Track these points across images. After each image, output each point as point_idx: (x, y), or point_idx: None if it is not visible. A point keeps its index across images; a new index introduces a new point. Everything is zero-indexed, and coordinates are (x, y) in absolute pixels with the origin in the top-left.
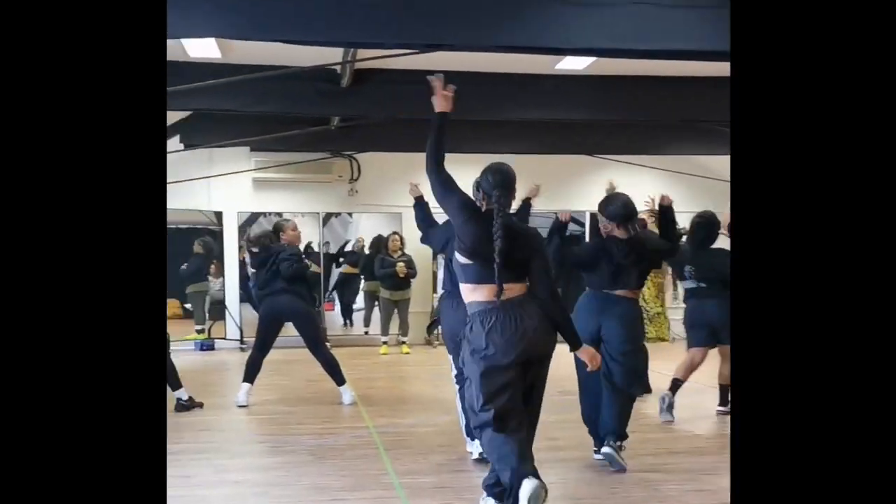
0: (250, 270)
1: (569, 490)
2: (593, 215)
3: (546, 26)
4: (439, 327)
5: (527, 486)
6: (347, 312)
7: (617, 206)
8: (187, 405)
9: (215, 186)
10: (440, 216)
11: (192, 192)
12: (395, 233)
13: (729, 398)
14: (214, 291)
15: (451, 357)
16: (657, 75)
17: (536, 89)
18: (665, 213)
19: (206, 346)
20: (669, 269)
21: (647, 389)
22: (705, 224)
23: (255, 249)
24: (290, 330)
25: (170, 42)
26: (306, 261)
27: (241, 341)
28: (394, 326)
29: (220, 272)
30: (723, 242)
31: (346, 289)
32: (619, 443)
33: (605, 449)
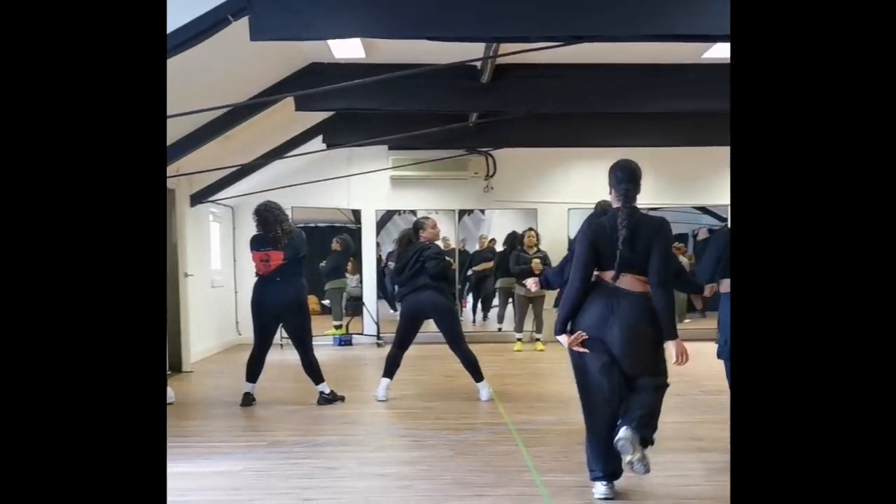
0: (389, 267)
1: (718, 491)
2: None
3: (694, 13)
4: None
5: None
6: (487, 307)
7: None
8: (329, 399)
9: (354, 185)
10: None
11: (332, 191)
12: (530, 229)
13: None
14: (351, 288)
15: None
16: None
17: (681, 80)
18: None
19: (344, 341)
20: None
21: None
22: None
23: (392, 248)
24: (426, 326)
25: (315, 44)
26: (447, 259)
27: (378, 337)
28: (528, 323)
29: (357, 269)
30: None
31: (480, 287)
32: None
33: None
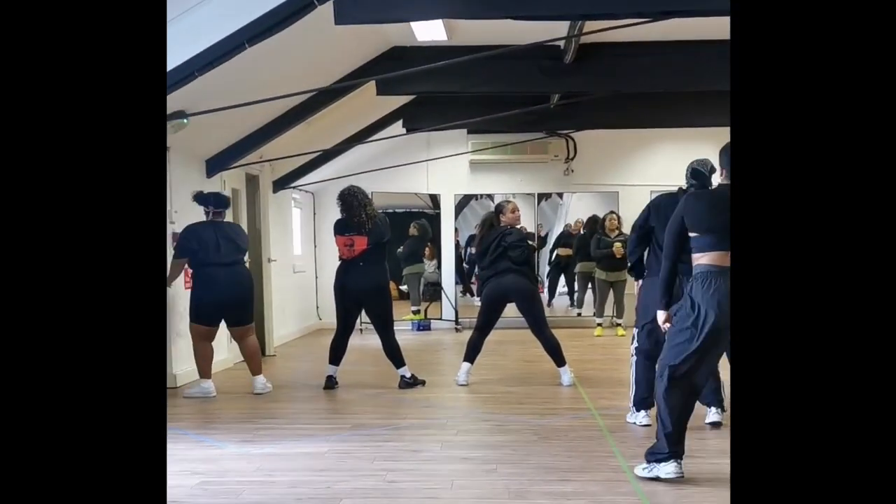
0: (469, 251)
1: None
2: None
3: None
4: None
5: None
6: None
7: None
8: (410, 382)
9: (433, 170)
10: None
11: (411, 176)
12: (612, 212)
13: None
14: (428, 273)
15: (635, 331)
16: None
17: None
18: None
19: (423, 326)
20: None
21: None
22: None
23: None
24: (505, 311)
25: (398, 27)
26: (531, 243)
27: (457, 322)
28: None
29: (435, 254)
30: None
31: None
32: None
33: None
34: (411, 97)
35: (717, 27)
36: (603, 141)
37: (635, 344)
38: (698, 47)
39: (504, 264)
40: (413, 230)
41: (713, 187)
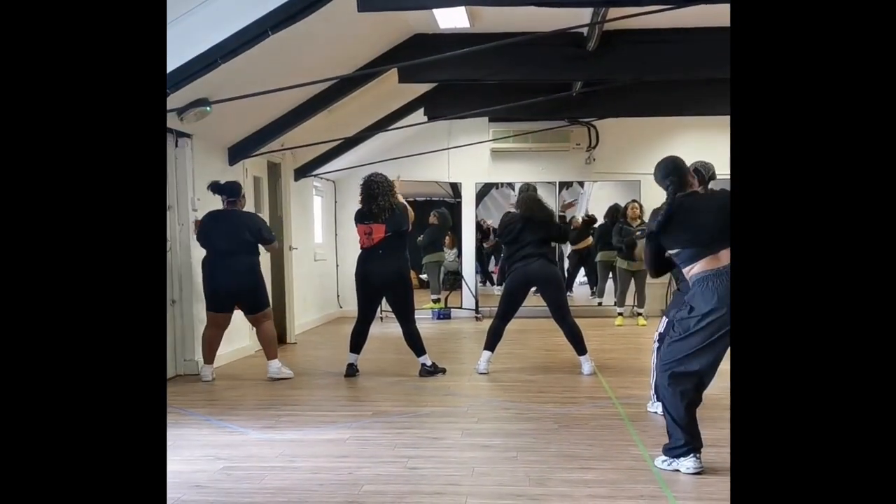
0: (491, 239)
1: None
2: None
3: None
4: None
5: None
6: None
7: None
8: (431, 371)
9: (454, 158)
10: None
11: (432, 164)
12: (633, 201)
13: None
14: (448, 262)
15: (664, 319)
16: None
17: None
18: None
19: (443, 315)
20: None
21: None
22: None
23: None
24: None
25: (420, 14)
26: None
27: (477, 311)
28: (629, 298)
29: (455, 243)
30: None
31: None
32: None
33: None
34: (433, 85)
35: None
36: (625, 129)
37: (660, 330)
38: (722, 34)
39: (529, 250)
40: (433, 219)
41: (682, 195)
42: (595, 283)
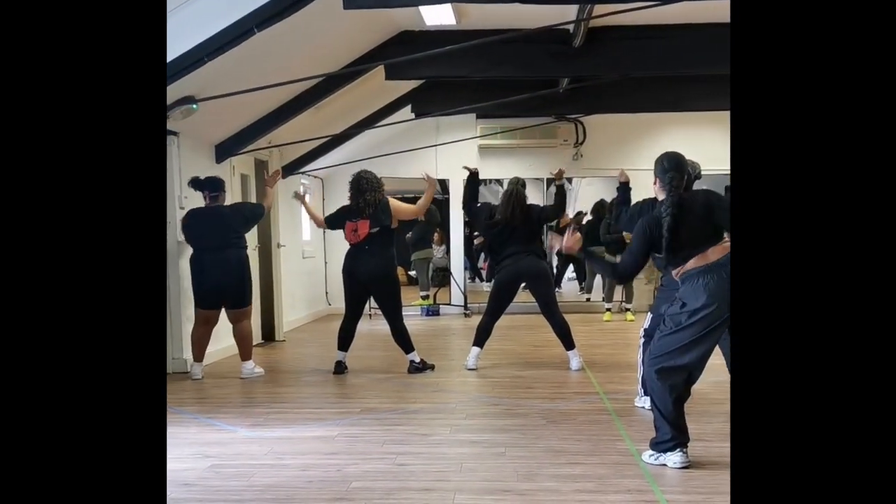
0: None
1: None
2: None
3: None
4: None
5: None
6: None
7: None
8: (420, 367)
9: (442, 155)
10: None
11: (420, 161)
12: None
13: None
14: (437, 259)
15: (650, 314)
16: None
17: None
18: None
19: (432, 311)
20: None
21: None
22: None
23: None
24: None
25: (406, 11)
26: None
27: (466, 307)
28: (616, 293)
29: (444, 240)
30: None
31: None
32: None
33: None
34: (420, 82)
35: (725, 10)
36: (612, 125)
37: (645, 325)
38: (707, 30)
39: (517, 247)
40: (421, 216)
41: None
42: (583, 279)
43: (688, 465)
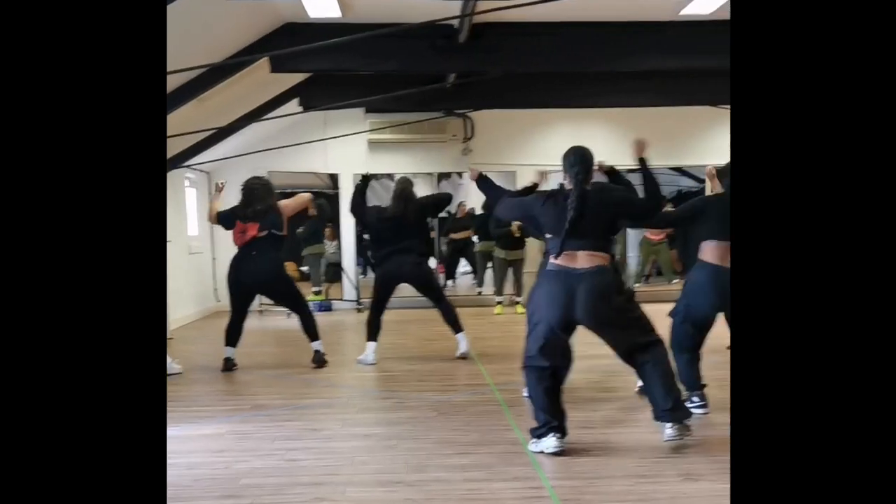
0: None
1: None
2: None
3: None
4: None
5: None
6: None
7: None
8: (322, 356)
9: (331, 149)
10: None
11: (309, 155)
12: None
13: None
14: (329, 254)
15: None
16: None
17: (661, 37)
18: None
19: (324, 307)
20: None
21: None
22: None
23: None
24: (406, 290)
25: (289, 2)
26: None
27: (358, 302)
28: (508, 286)
29: (336, 235)
30: None
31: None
32: None
33: None
34: (308, 75)
35: (607, 9)
36: (500, 121)
37: None
38: (591, 28)
39: (392, 247)
40: (312, 210)
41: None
42: (475, 272)
43: (562, 450)
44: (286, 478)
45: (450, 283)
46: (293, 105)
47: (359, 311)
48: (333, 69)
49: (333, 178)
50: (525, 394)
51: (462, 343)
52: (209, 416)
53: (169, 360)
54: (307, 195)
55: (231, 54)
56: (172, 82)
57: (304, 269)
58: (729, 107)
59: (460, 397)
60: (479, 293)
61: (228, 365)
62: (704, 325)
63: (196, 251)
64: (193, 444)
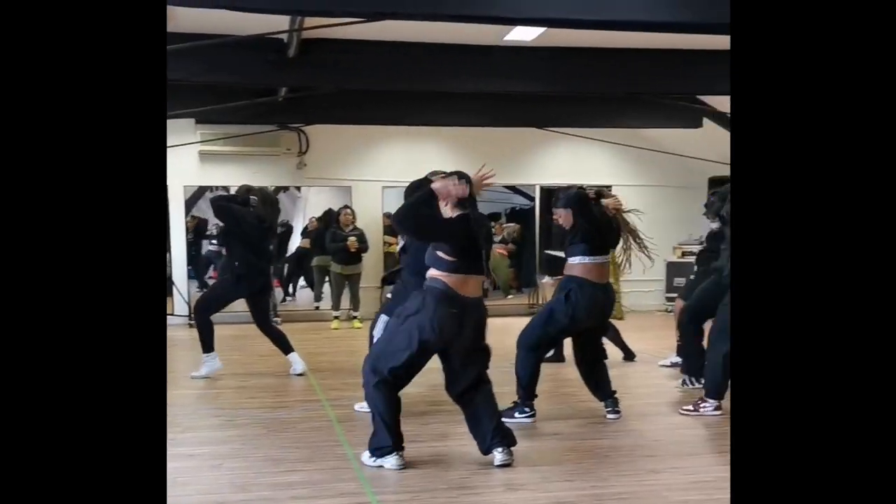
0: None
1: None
2: (543, 189)
3: None
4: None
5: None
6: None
7: None
8: None
9: None
10: None
11: None
12: (346, 207)
13: None
14: None
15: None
16: (607, 47)
17: (486, 61)
18: None
19: None
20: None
21: None
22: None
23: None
24: (239, 306)
25: None
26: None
27: (190, 317)
28: (345, 301)
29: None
30: None
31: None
32: None
33: None
34: None
35: (436, 31)
36: (335, 136)
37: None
38: (420, 49)
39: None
40: None
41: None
42: (310, 285)
43: (403, 466)
44: None
45: (288, 298)
46: None
47: (190, 325)
48: None
49: None
50: (357, 408)
51: (297, 364)
52: None
53: None
54: None
55: None
56: None
57: None
58: (554, 129)
59: (291, 414)
60: (317, 308)
61: None
62: (560, 335)
63: None
64: None
